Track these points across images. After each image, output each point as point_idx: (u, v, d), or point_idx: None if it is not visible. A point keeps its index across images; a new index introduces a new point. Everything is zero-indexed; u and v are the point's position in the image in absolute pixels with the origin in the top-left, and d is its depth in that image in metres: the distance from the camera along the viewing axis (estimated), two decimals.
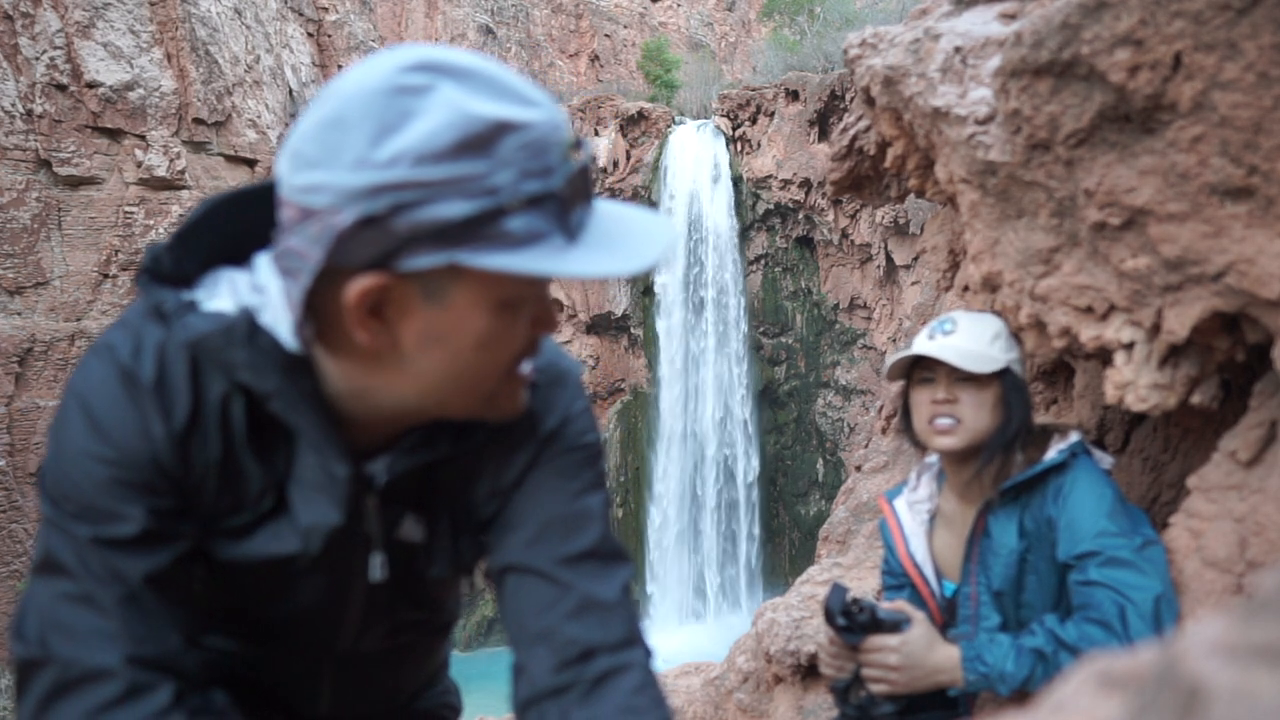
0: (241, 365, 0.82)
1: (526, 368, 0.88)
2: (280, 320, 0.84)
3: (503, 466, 0.96)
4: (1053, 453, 1.60)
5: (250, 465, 0.87)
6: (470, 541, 0.99)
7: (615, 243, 0.79)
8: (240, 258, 0.89)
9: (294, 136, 0.76)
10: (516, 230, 0.74)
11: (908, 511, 1.83)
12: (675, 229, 0.86)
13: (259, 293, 0.85)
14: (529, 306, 0.83)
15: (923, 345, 1.65)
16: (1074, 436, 1.63)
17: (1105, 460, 1.66)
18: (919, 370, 1.69)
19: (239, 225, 0.89)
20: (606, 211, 0.82)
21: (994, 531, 1.63)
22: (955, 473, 1.72)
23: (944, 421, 1.64)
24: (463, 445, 0.93)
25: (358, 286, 0.75)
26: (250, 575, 0.91)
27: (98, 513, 0.81)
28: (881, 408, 4.26)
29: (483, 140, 0.72)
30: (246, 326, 0.82)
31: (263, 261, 0.88)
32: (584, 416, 1.00)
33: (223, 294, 0.86)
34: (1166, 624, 1.40)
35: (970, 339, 1.64)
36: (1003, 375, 1.63)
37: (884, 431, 3.88)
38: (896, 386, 1.81)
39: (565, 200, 0.76)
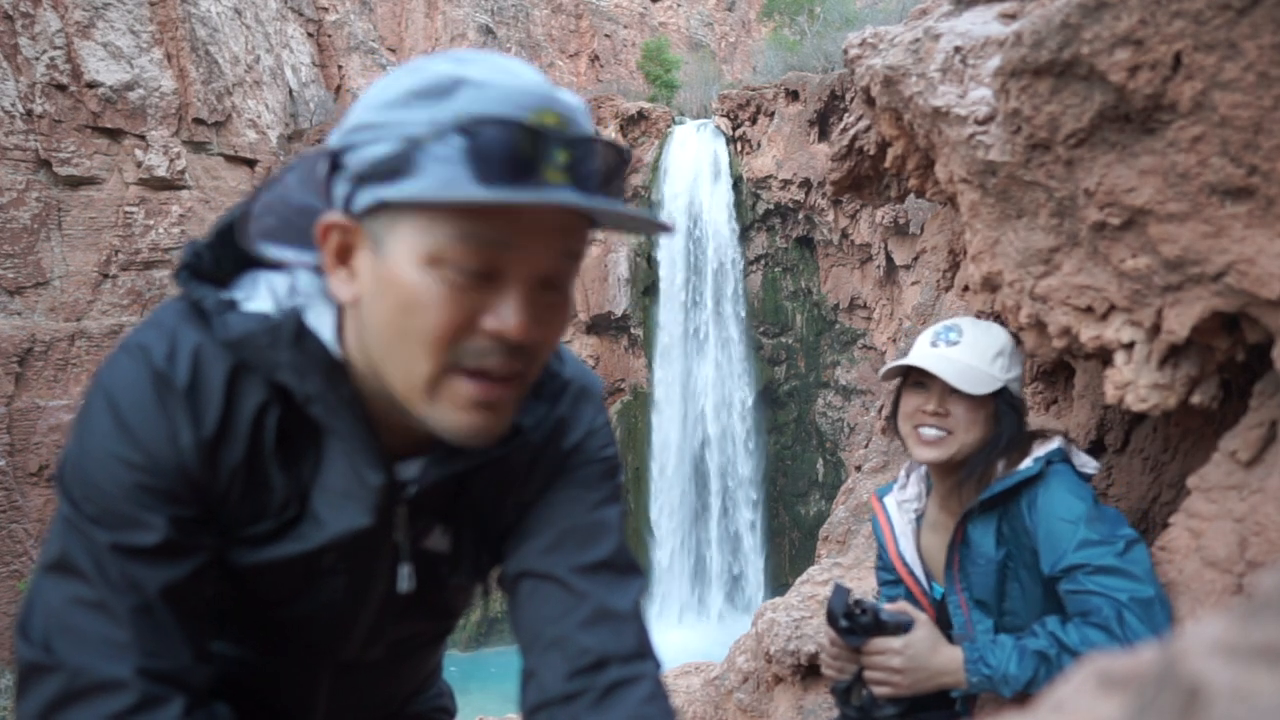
0: (285, 366, 0.82)
1: (478, 390, 0.78)
2: (323, 324, 0.84)
3: (529, 477, 0.97)
4: (1029, 461, 1.59)
5: (276, 474, 0.86)
6: (490, 550, 1.00)
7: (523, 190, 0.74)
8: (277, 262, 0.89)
9: None
10: (431, 170, 0.73)
11: (897, 510, 1.83)
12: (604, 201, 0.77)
13: (300, 296, 0.86)
14: (477, 290, 0.76)
15: (923, 355, 1.62)
16: (1054, 443, 1.61)
17: (1090, 465, 1.64)
18: (914, 374, 1.66)
19: None
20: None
21: (973, 539, 1.63)
22: (939, 480, 1.72)
23: (931, 433, 1.62)
24: (490, 457, 0.92)
25: (322, 220, 0.79)
26: (267, 582, 0.90)
27: (119, 518, 0.79)
28: (882, 407, 4.26)
29: (436, 90, 0.75)
30: (294, 328, 0.82)
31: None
32: (605, 431, 1.02)
33: (262, 295, 0.86)
34: (1162, 624, 1.40)
35: (973, 354, 1.60)
36: (999, 393, 1.61)
37: (884, 431, 3.88)
38: (892, 384, 1.78)
39: (490, 155, 0.72)
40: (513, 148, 0.72)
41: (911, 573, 1.78)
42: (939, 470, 1.68)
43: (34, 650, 0.78)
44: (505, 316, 0.76)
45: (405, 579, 0.94)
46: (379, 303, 0.78)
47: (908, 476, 1.84)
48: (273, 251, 0.86)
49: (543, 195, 0.72)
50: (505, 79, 0.75)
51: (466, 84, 0.74)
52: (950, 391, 1.60)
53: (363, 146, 0.76)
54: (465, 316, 0.76)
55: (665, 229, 0.80)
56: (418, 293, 0.76)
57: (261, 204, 0.86)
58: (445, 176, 0.72)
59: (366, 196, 0.76)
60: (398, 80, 0.77)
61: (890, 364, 1.69)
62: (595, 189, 0.76)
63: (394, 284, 0.76)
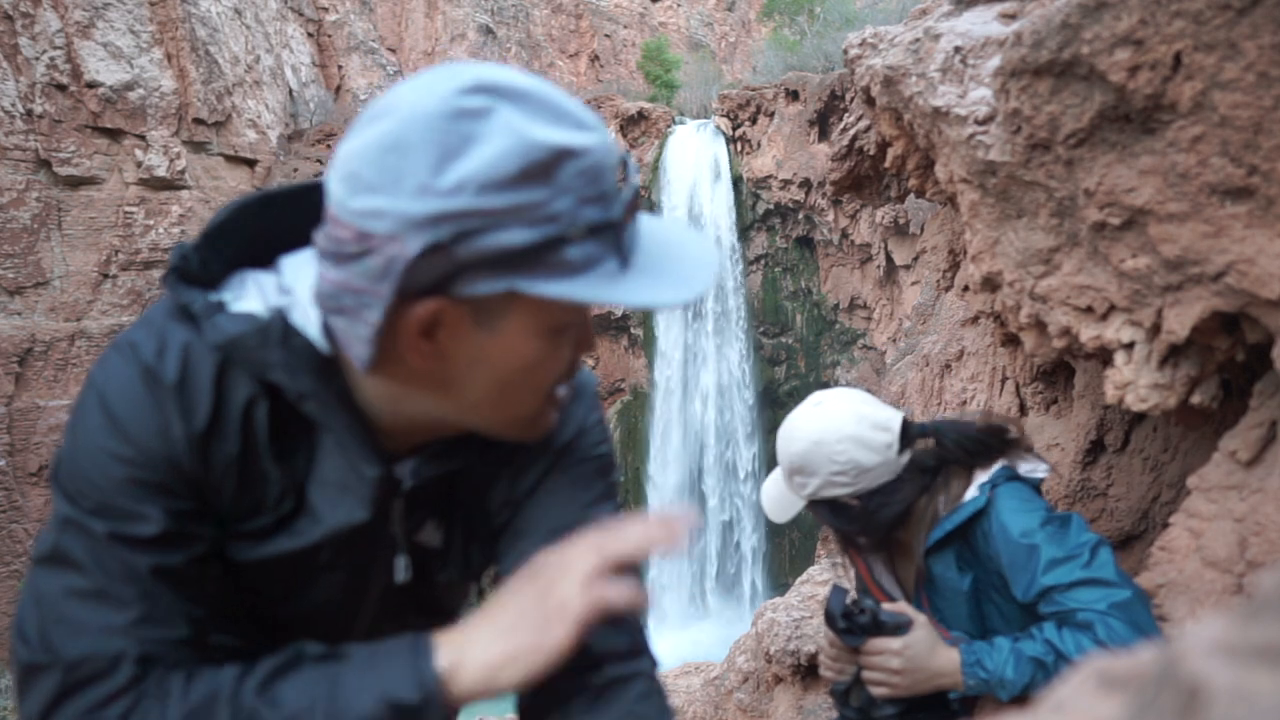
0: (276, 366, 0.82)
1: (563, 390, 0.88)
2: (309, 321, 0.84)
3: (519, 475, 0.97)
4: (973, 490, 1.57)
5: (270, 469, 0.86)
6: (481, 548, 1.00)
7: (665, 268, 0.79)
8: (262, 260, 0.89)
9: (349, 157, 0.74)
10: (575, 258, 0.74)
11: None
12: (715, 250, 0.84)
13: (286, 294, 0.86)
14: (573, 330, 0.83)
15: (764, 489, 1.70)
16: (994, 467, 1.59)
17: (1041, 469, 1.61)
18: None
19: (263, 228, 0.89)
20: (650, 230, 0.82)
21: (936, 574, 1.62)
22: None
23: None
24: (487, 454, 0.93)
25: (419, 312, 0.75)
26: (267, 575, 0.90)
27: (116, 511, 0.79)
28: None
29: (544, 167, 0.72)
30: (281, 328, 0.82)
31: (288, 264, 0.89)
32: (599, 429, 1.02)
33: (250, 295, 0.86)
34: (1145, 621, 1.39)
35: (777, 478, 1.67)
36: (812, 506, 1.63)
37: None
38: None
39: (621, 226, 0.76)
40: (630, 215, 0.78)
41: (892, 598, 1.77)
42: None
43: (30, 649, 0.78)
44: (585, 343, 0.86)
45: (402, 570, 0.95)
46: (487, 369, 0.81)
47: None
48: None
49: (678, 294, 0.78)
50: (585, 137, 0.75)
51: (563, 154, 0.73)
52: None
53: (478, 235, 0.72)
54: (569, 360, 0.85)
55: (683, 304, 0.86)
56: (541, 356, 0.81)
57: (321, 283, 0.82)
58: (602, 273, 0.76)
59: (491, 284, 0.74)
60: (464, 145, 0.71)
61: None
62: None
63: (513, 354, 0.80)
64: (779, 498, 1.64)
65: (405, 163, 0.71)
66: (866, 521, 1.61)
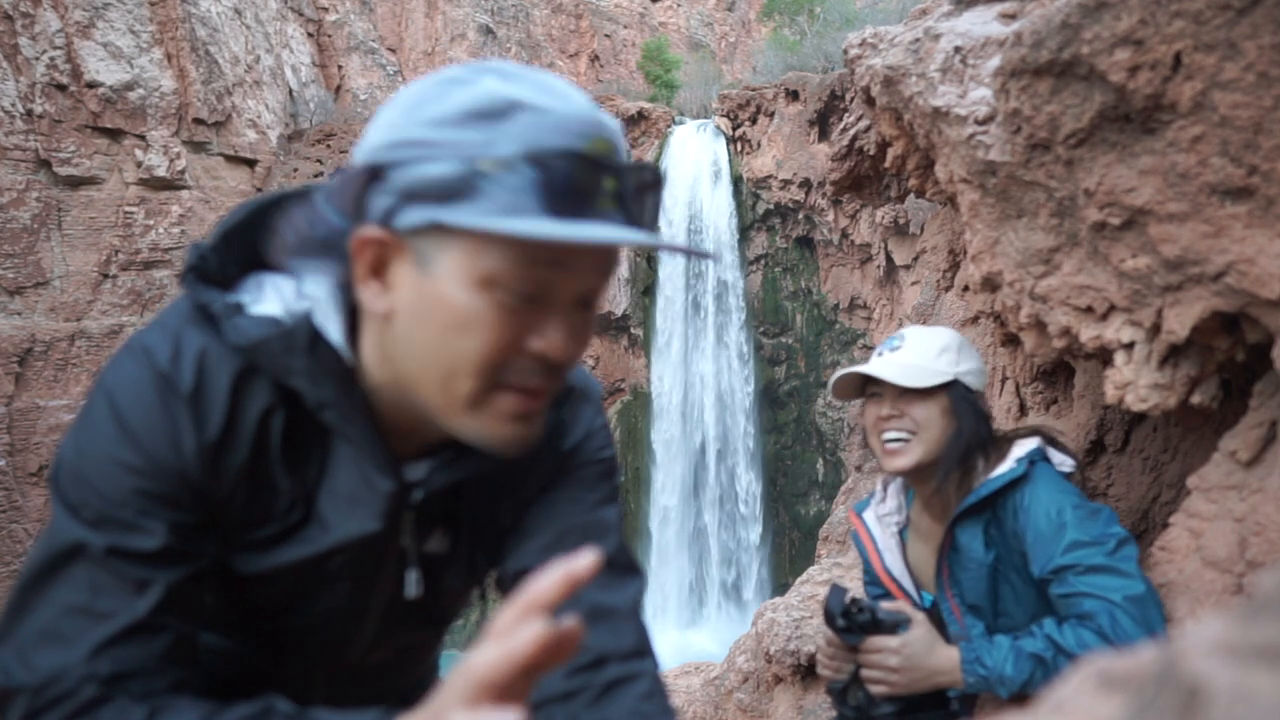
0: (299, 372, 0.81)
1: (521, 403, 0.80)
2: (331, 326, 0.84)
3: (527, 479, 0.97)
4: (1010, 463, 1.58)
5: (281, 478, 0.85)
6: (485, 552, 1.00)
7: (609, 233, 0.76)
8: (279, 263, 0.88)
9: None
10: (496, 198, 0.72)
11: (878, 524, 1.82)
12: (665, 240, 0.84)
13: (305, 299, 0.85)
14: (526, 312, 0.77)
15: (869, 364, 1.66)
16: (1033, 443, 1.61)
17: (1067, 464, 1.63)
18: (870, 386, 1.68)
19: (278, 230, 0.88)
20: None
21: (961, 544, 1.62)
22: (919, 488, 1.71)
23: (894, 441, 1.62)
24: (494, 461, 0.92)
25: (359, 234, 0.78)
26: (271, 588, 0.89)
27: (117, 522, 0.78)
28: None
29: (492, 112, 0.73)
30: (308, 334, 0.82)
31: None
32: (604, 433, 1.03)
33: (269, 298, 0.85)
34: (1155, 620, 1.39)
35: (914, 354, 1.63)
36: (951, 387, 1.61)
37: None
38: (857, 406, 1.80)
39: (558, 187, 0.72)
40: (576, 179, 0.73)
41: (900, 585, 1.78)
42: (914, 477, 1.68)
43: (7, 671, 0.76)
44: (552, 338, 0.78)
45: (413, 585, 0.94)
46: (422, 321, 0.78)
47: (885, 490, 1.83)
48: (294, 267, 0.87)
49: (612, 232, 0.74)
50: (559, 104, 0.75)
51: (523, 108, 0.73)
52: (902, 394, 1.62)
53: (414, 163, 0.74)
54: (514, 338, 0.77)
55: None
56: (469, 315, 0.76)
57: (287, 223, 0.85)
58: (514, 205, 0.72)
59: (417, 215, 0.74)
60: (443, 95, 0.75)
61: (837, 374, 1.71)
62: (638, 211, 0.78)
63: (443, 304, 0.76)
64: (914, 364, 1.62)
65: (390, 110, 0.78)
66: (981, 423, 1.64)
